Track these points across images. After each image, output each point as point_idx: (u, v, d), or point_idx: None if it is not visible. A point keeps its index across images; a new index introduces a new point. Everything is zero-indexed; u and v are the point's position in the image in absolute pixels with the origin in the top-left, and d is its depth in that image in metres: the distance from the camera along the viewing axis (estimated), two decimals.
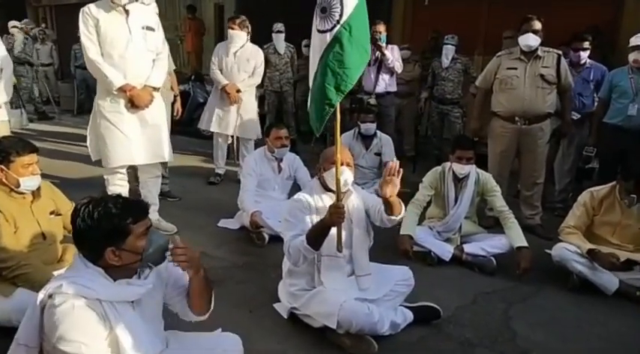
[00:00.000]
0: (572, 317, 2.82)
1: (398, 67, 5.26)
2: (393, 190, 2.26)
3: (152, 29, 3.47)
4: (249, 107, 5.09)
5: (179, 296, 1.91)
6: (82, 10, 3.30)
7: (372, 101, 5.18)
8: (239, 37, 4.92)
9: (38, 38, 9.08)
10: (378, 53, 5.11)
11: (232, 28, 4.89)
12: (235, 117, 5.01)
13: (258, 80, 5.18)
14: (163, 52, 3.61)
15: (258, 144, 5.49)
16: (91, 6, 3.30)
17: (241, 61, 4.94)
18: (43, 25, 10.51)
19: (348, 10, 2.14)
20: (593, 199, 3.17)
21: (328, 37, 2.16)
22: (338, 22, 2.14)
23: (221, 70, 4.95)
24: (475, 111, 4.27)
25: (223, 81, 4.91)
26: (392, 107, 5.49)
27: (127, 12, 3.32)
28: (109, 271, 1.65)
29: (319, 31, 2.20)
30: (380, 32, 5.07)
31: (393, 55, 5.22)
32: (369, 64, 5.06)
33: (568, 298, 3.03)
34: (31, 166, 2.42)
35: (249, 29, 4.97)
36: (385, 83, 5.29)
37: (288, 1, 7.40)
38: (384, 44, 5.11)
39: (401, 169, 2.25)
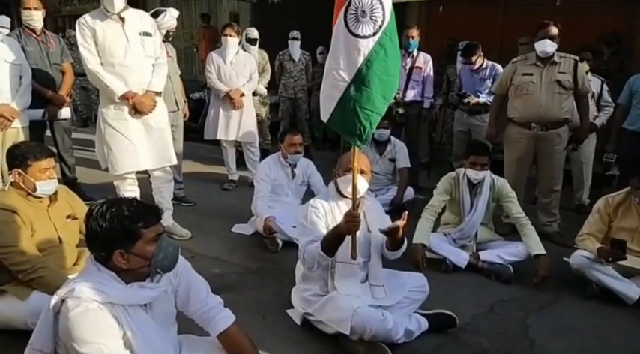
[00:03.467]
0: (591, 326, 2.76)
1: (430, 84, 5.19)
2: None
3: (149, 34, 3.47)
4: (249, 112, 5.18)
5: (196, 313, 1.90)
6: (77, 21, 3.31)
7: (401, 111, 5.07)
8: (235, 44, 5.00)
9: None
10: (408, 59, 5.06)
11: (231, 36, 4.94)
12: (238, 122, 5.08)
13: (256, 84, 5.27)
14: (162, 56, 3.62)
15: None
16: (87, 16, 3.31)
17: (238, 67, 5.02)
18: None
19: (387, 15, 2.10)
20: (608, 206, 3.11)
21: (372, 43, 2.09)
22: (380, 27, 2.09)
23: (218, 79, 5.00)
24: (491, 117, 4.23)
25: (225, 88, 4.97)
26: (419, 116, 5.34)
27: (122, 19, 3.33)
28: (121, 274, 1.65)
29: (358, 35, 2.10)
30: (412, 37, 4.98)
31: (427, 65, 5.14)
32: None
33: (587, 306, 2.96)
34: (48, 170, 2.46)
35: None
36: (414, 92, 5.15)
37: (303, 8, 7.44)
38: (415, 51, 5.04)
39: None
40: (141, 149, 3.52)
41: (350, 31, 2.11)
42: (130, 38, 3.35)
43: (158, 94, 3.58)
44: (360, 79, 2.13)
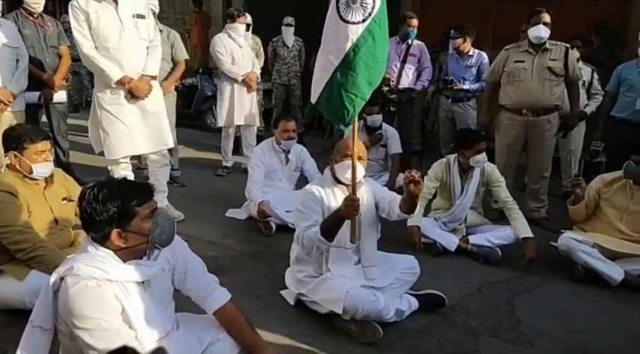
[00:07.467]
0: (576, 307, 2.84)
1: (428, 73, 5.17)
2: (418, 188, 2.27)
3: (142, 16, 3.43)
4: (254, 95, 5.29)
5: (193, 291, 1.94)
6: (70, 4, 3.25)
7: (394, 98, 5.06)
8: (242, 30, 5.09)
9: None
10: (403, 46, 5.05)
11: (240, 22, 5.04)
12: (250, 106, 5.18)
13: (259, 68, 5.40)
14: (156, 38, 3.60)
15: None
16: None
17: (245, 51, 5.14)
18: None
19: (377, 3, 2.14)
20: (603, 180, 3.21)
21: (360, 29, 2.14)
22: (370, 14, 2.13)
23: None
24: (484, 105, 4.28)
25: (241, 72, 5.04)
26: (412, 104, 5.33)
27: (115, 2, 3.28)
28: (118, 253, 1.68)
29: (347, 21, 2.14)
30: (413, 27, 4.95)
31: (422, 52, 5.12)
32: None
33: (573, 288, 3.05)
34: (44, 153, 2.48)
35: None
36: (408, 79, 5.12)
37: None
38: (412, 40, 4.98)
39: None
40: (137, 134, 3.51)
41: (340, 17, 2.16)
42: (123, 21, 3.31)
43: (153, 77, 3.57)
44: (347, 64, 2.17)
